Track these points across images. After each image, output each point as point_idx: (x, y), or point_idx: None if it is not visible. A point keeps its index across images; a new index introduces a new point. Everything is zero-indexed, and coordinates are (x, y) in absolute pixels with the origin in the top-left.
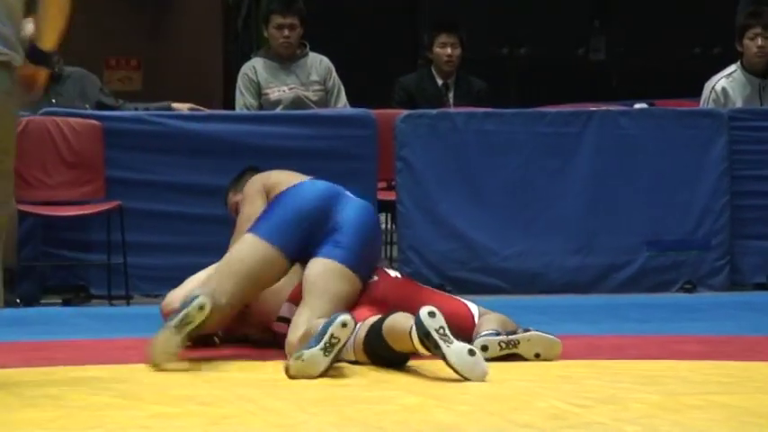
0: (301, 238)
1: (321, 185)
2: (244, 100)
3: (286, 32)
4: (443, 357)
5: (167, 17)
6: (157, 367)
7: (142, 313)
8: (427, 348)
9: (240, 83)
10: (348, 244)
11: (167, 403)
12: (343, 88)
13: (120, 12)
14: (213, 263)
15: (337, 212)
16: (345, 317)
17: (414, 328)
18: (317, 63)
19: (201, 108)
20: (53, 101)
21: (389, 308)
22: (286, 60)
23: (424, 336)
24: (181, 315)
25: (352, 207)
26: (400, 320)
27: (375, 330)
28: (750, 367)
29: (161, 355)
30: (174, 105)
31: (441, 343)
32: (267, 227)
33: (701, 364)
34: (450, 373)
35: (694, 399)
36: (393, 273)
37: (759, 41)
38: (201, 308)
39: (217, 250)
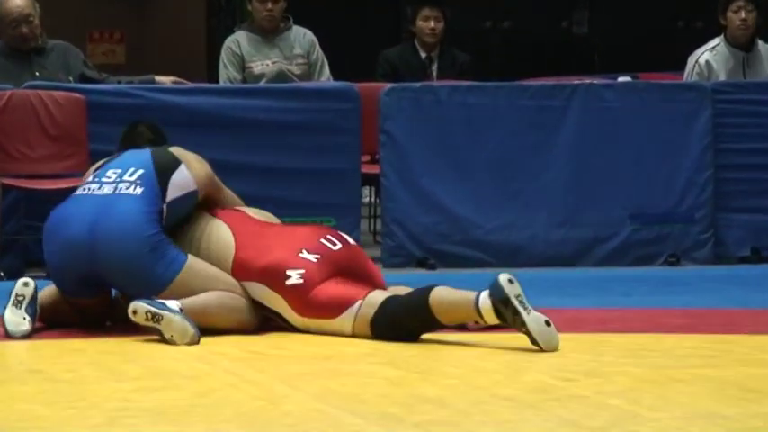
0: (86, 283)
1: (72, 235)
2: (227, 73)
3: (269, 6)
4: (522, 324)
5: None
6: (13, 339)
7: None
8: (500, 316)
9: (223, 56)
10: (150, 272)
11: (151, 377)
12: (326, 62)
13: None
14: None
15: (104, 255)
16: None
17: (486, 294)
18: (301, 37)
19: (185, 81)
20: (36, 74)
21: (349, 273)
22: (269, 34)
23: (502, 302)
24: (13, 295)
25: (114, 246)
26: (449, 292)
27: (409, 304)
28: (734, 340)
29: (13, 328)
30: (158, 78)
31: (521, 310)
32: (53, 280)
33: (684, 338)
34: (436, 349)
35: (678, 372)
36: (349, 239)
37: (742, 14)
38: (26, 284)
39: None
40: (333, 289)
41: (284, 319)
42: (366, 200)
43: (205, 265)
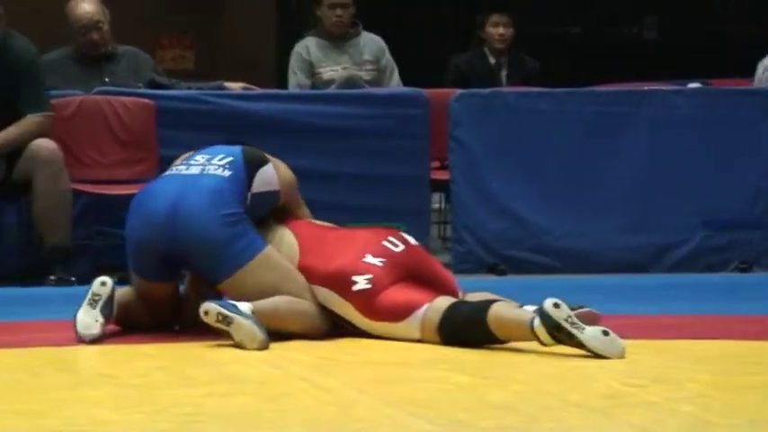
0: (164, 261)
1: (154, 209)
2: (296, 79)
3: (338, 11)
4: (580, 345)
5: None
6: (83, 343)
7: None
8: (557, 339)
9: (293, 62)
10: (226, 249)
11: (221, 382)
12: (396, 68)
13: None
14: None
15: (185, 231)
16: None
17: (538, 321)
18: (371, 42)
19: (254, 87)
20: (106, 80)
21: (414, 275)
22: (339, 39)
23: (554, 328)
24: (89, 294)
25: (195, 218)
26: (507, 310)
27: (469, 317)
28: None
29: (83, 330)
30: (227, 85)
31: (574, 332)
32: (131, 260)
33: (756, 345)
34: (505, 355)
35: (749, 379)
36: (411, 239)
37: None
38: (103, 283)
39: None
40: (399, 293)
41: (351, 324)
42: (436, 206)
43: (281, 260)
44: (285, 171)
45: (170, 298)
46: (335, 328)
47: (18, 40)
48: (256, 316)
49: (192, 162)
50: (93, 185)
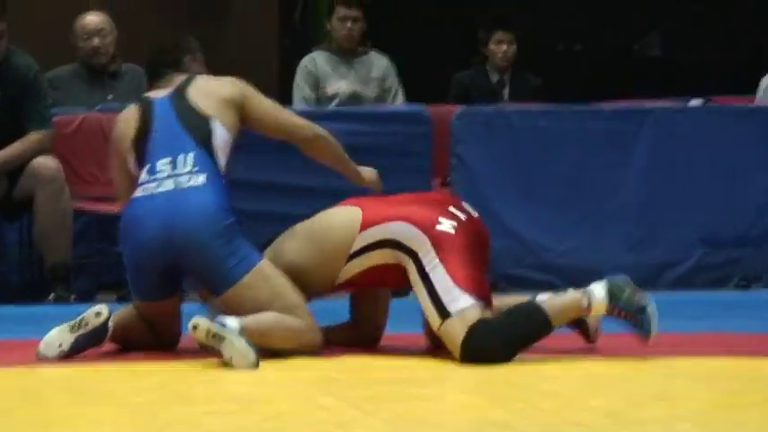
0: (164, 276)
1: (152, 223)
2: (301, 92)
3: (349, 24)
4: (642, 309)
5: (223, 13)
6: (40, 359)
7: (195, 310)
8: (614, 296)
9: (299, 75)
10: (225, 260)
11: (220, 400)
12: (401, 90)
13: (177, 3)
14: None
15: (182, 241)
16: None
17: (605, 280)
18: (378, 62)
19: None
20: (109, 97)
21: (479, 246)
22: (348, 54)
23: (625, 282)
24: (79, 317)
25: (192, 237)
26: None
27: (520, 310)
28: None
29: (42, 348)
30: None
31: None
32: (131, 285)
33: (756, 362)
34: (506, 375)
35: (749, 397)
36: (473, 211)
37: None
38: (98, 314)
39: None
40: (472, 268)
41: (417, 257)
42: None
43: (276, 273)
44: (212, 96)
45: (173, 315)
46: (327, 345)
47: (20, 56)
48: (246, 333)
49: (159, 175)
50: (95, 203)
